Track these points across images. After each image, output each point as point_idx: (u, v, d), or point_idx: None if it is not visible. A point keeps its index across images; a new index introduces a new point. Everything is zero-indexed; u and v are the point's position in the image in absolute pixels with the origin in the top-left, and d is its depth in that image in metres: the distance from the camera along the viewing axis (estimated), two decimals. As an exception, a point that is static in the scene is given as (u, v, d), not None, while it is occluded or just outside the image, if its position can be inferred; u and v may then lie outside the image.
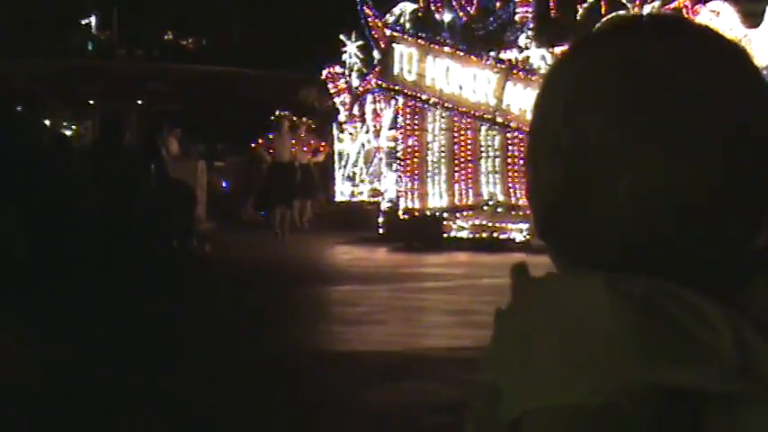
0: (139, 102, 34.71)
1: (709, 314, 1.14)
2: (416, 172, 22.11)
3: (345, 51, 26.57)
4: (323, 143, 26.71)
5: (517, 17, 22.18)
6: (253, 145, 26.43)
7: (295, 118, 26.23)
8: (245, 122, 27.81)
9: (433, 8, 23.36)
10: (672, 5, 24.09)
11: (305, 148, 25.66)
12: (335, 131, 26.28)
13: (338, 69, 26.30)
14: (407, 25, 23.36)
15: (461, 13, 23.00)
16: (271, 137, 25.07)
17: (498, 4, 22.77)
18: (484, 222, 21.09)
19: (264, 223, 24.80)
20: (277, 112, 26.21)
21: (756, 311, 1.17)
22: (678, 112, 1.19)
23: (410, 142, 22.18)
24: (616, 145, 1.20)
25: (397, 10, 24.21)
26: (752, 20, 25.64)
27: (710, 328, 1.13)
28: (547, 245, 1.32)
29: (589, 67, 1.25)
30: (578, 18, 23.30)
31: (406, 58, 21.77)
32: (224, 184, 29.72)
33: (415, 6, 23.94)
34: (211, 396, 8.82)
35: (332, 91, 26.19)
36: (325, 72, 26.09)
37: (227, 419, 8.19)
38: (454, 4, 23.06)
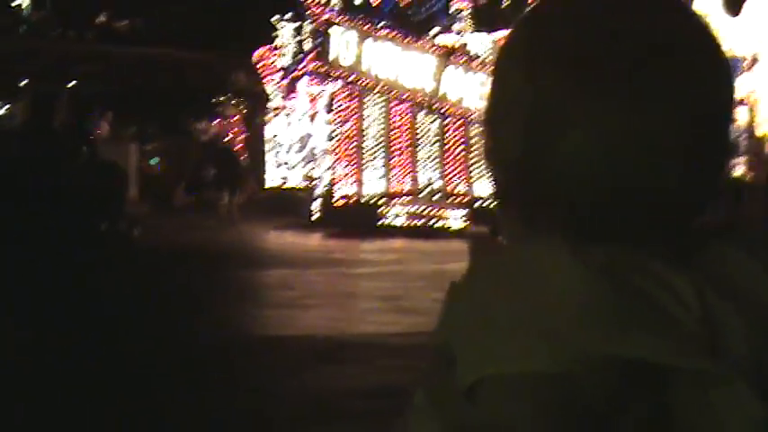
0: (72, 84, 34.17)
1: (677, 286, 1.11)
2: (352, 158, 21.81)
3: (277, 34, 26.04)
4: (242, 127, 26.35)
5: (452, 4, 21.83)
6: (189, 127, 25.98)
7: (234, 102, 25.80)
8: (177, 105, 27.31)
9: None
10: None
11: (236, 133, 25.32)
12: (269, 116, 25.65)
13: (270, 52, 25.75)
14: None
15: None
16: (214, 121, 24.76)
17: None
18: (420, 209, 20.88)
19: (196, 207, 24.84)
20: (222, 97, 25.77)
21: (717, 278, 1.14)
22: (638, 65, 1.15)
23: (346, 127, 21.88)
24: (576, 100, 1.16)
25: None
26: (733, 8, 25.76)
27: (678, 300, 1.10)
28: (504, 209, 1.27)
29: (546, 25, 1.21)
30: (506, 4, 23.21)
31: (344, 42, 21.47)
32: (156, 168, 29.32)
33: None
34: (144, 381, 8.73)
35: (262, 74, 25.50)
36: (256, 54, 25.39)
37: (160, 403, 8.04)
38: None
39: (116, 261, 17.02)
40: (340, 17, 21.77)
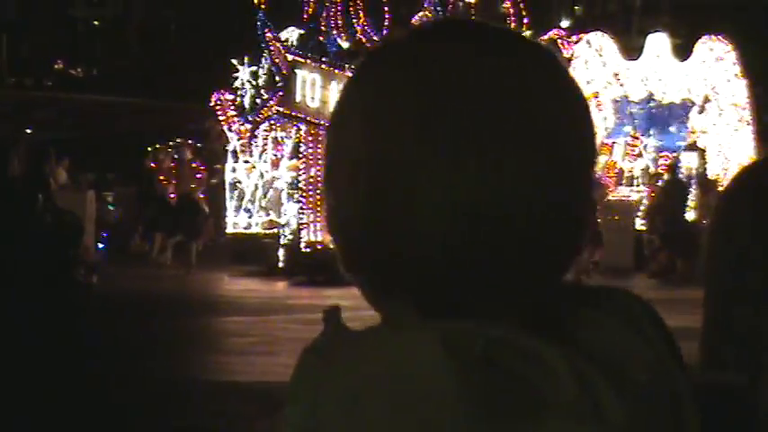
0: (28, 130, 33.12)
1: (550, 361, 1.03)
2: (319, 203, 20.42)
3: (237, 77, 24.50)
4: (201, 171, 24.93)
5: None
6: (147, 169, 24.61)
7: (199, 145, 24.46)
8: (134, 152, 26.35)
9: (329, 32, 21.62)
10: (544, 37, 23.24)
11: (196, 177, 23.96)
12: (230, 161, 23.94)
13: (228, 96, 23.97)
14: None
15: (363, 39, 21.37)
16: (172, 165, 23.39)
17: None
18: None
19: (152, 255, 23.94)
20: (178, 140, 24.41)
21: (588, 347, 1.08)
22: (486, 122, 1.07)
23: (312, 172, 20.57)
24: (418, 159, 1.07)
25: (284, 35, 22.52)
26: (631, 53, 25.64)
27: (556, 379, 1.03)
28: (354, 277, 1.15)
29: (384, 77, 1.12)
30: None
31: (309, 84, 20.37)
32: (114, 215, 28.25)
33: (302, 32, 22.43)
34: (96, 426, 8.68)
35: (221, 118, 23.78)
36: (214, 98, 23.63)
37: None
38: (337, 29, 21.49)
39: (74, 308, 15.70)
40: (305, 59, 20.67)
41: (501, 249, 1.07)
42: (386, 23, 21.37)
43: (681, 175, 23.45)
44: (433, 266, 1.08)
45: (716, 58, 25.02)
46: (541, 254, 1.10)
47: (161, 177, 23.68)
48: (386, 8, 21.60)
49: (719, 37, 25.18)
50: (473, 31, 1.14)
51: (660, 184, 23.72)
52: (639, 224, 23.84)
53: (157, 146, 24.91)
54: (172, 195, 23.42)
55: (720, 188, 21.03)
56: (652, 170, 25.45)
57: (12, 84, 36.14)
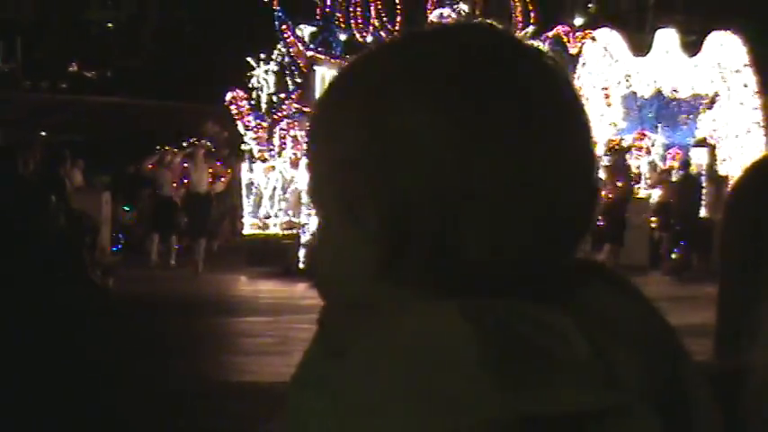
0: (43, 133, 33.25)
1: (564, 329, 1.05)
2: None
3: (252, 76, 24.13)
4: (227, 171, 24.84)
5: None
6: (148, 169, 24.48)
7: (210, 145, 24.30)
8: (149, 153, 26.15)
9: (356, 31, 21.24)
10: (550, 33, 23.10)
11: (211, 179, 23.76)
12: (246, 161, 23.77)
13: (243, 94, 23.80)
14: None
15: (385, 36, 20.94)
16: (185, 166, 23.24)
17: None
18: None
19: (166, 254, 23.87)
20: (193, 140, 24.28)
21: (598, 314, 1.10)
22: (528, 113, 1.09)
23: None
24: (456, 156, 1.08)
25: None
26: (645, 50, 25.54)
27: (567, 344, 1.04)
28: (382, 276, 1.12)
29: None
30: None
31: (328, 81, 19.47)
32: (129, 217, 27.98)
33: (314, 29, 21.98)
34: (109, 426, 8.69)
35: (234, 114, 23.61)
36: (229, 96, 23.50)
37: None
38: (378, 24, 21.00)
39: (91, 310, 15.73)
40: (324, 56, 20.20)
41: (562, 236, 1.13)
42: (398, 19, 21.27)
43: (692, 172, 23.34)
44: (470, 254, 1.09)
45: (726, 52, 24.91)
46: (582, 238, 1.15)
47: (169, 178, 23.51)
48: (398, 5, 21.48)
49: (730, 31, 25.08)
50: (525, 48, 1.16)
51: (672, 180, 23.64)
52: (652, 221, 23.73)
53: (167, 147, 24.77)
54: (205, 196, 23.14)
55: (731, 184, 20.97)
56: (661, 167, 25.35)
57: (27, 86, 36.22)
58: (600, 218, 20.77)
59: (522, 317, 1.05)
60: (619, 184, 21.12)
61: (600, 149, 23.57)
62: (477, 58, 1.11)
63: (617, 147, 23.24)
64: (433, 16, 20.16)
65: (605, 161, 22.19)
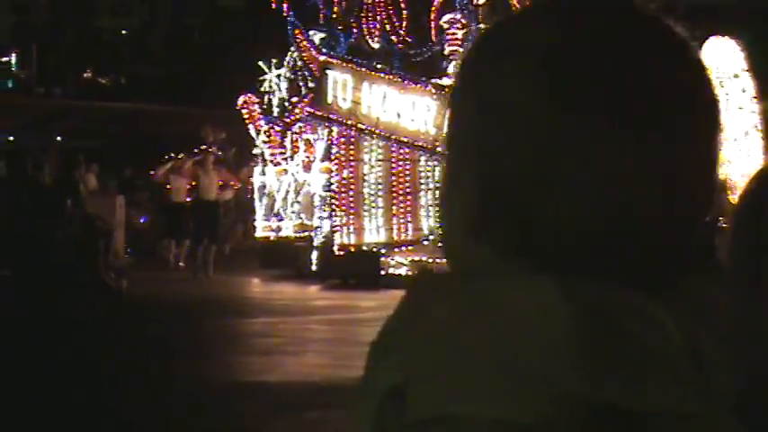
0: (58, 138, 33.41)
1: (660, 320, 1.02)
2: (352, 205, 20.07)
3: (263, 80, 24.13)
4: (234, 179, 24.87)
5: (446, 47, 19.98)
6: (159, 176, 24.44)
7: (220, 152, 24.28)
8: (161, 158, 26.23)
9: (366, 36, 21.22)
10: None
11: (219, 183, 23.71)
12: (259, 164, 23.72)
13: (255, 99, 23.78)
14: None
15: (395, 40, 21.00)
16: (195, 170, 23.22)
17: (434, 32, 20.78)
18: (424, 258, 18.74)
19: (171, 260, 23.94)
20: (202, 147, 24.26)
21: (695, 309, 1.06)
22: (648, 109, 1.06)
23: (345, 174, 20.12)
24: (577, 143, 1.05)
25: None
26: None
27: (663, 336, 1.01)
28: (476, 241, 1.09)
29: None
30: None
31: (340, 85, 19.77)
32: (141, 219, 28.29)
33: (323, 35, 21.71)
34: (124, 426, 8.73)
35: (246, 118, 23.59)
36: (240, 99, 23.46)
37: None
38: (388, 29, 21.01)
39: (105, 312, 16.42)
40: (336, 60, 20.05)
41: (672, 223, 1.08)
42: (405, 24, 21.19)
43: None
44: (576, 232, 1.06)
45: (724, 58, 24.98)
46: (694, 229, 1.11)
47: (182, 185, 23.45)
48: (404, 10, 21.38)
49: (727, 37, 25.15)
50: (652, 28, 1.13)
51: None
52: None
53: (180, 155, 24.69)
54: (214, 202, 23.13)
55: (730, 189, 20.93)
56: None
57: (41, 93, 36.34)
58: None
59: (621, 303, 1.02)
60: None
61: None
62: (598, 36, 1.08)
63: None
64: (443, 21, 20.11)
65: None
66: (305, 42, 20.93)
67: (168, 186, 23.40)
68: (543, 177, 1.06)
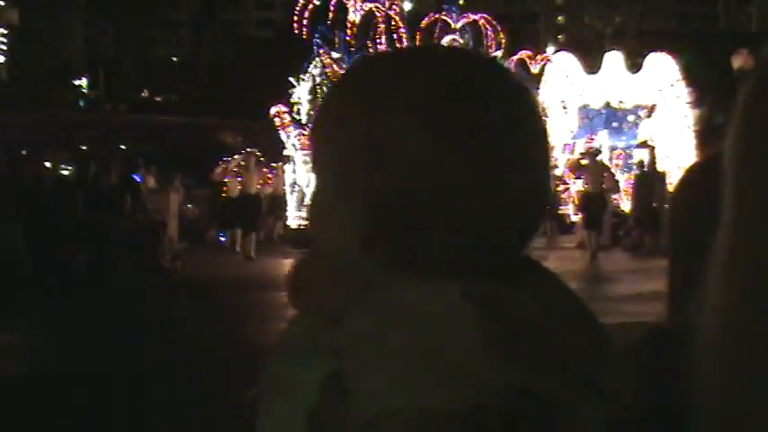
0: (122, 146, 33.43)
1: (535, 314, 1.00)
2: None
3: (292, 93, 23.63)
4: (269, 176, 24.52)
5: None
6: (216, 176, 24.32)
7: (258, 154, 24.09)
8: (207, 161, 26.17)
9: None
10: (514, 57, 23.01)
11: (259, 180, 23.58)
12: (290, 164, 23.54)
13: (285, 109, 23.68)
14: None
15: None
16: (239, 170, 23.10)
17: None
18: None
19: (224, 245, 23.53)
20: (246, 150, 24.13)
21: (549, 300, 1.04)
22: (500, 136, 1.05)
23: None
24: (449, 165, 1.03)
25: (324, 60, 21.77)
26: (634, 67, 25.50)
27: (539, 324, 0.99)
28: (372, 253, 1.05)
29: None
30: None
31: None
32: (192, 213, 27.94)
33: (339, 55, 21.41)
34: (170, 388, 8.48)
35: (278, 125, 23.45)
36: (273, 110, 23.27)
37: (183, 411, 7.55)
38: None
39: (161, 288, 16.44)
40: None
41: (536, 226, 1.09)
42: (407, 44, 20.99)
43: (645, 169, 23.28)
44: (463, 239, 1.04)
45: (662, 70, 24.95)
46: (532, 234, 1.10)
47: (227, 181, 23.40)
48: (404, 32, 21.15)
49: (664, 52, 25.14)
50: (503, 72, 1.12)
51: (633, 175, 23.62)
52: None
53: (235, 157, 24.55)
54: (254, 196, 22.86)
55: (668, 179, 20.91)
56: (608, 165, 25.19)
57: (108, 110, 36.39)
58: (582, 209, 20.77)
59: (510, 298, 1.00)
60: (601, 181, 20.86)
61: (557, 152, 23.61)
62: (460, 84, 1.06)
63: (591, 150, 23.17)
64: (445, 42, 19.93)
65: (585, 162, 22.14)
66: (328, 59, 20.89)
67: (227, 182, 23.12)
68: (427, 203, 1.03)
